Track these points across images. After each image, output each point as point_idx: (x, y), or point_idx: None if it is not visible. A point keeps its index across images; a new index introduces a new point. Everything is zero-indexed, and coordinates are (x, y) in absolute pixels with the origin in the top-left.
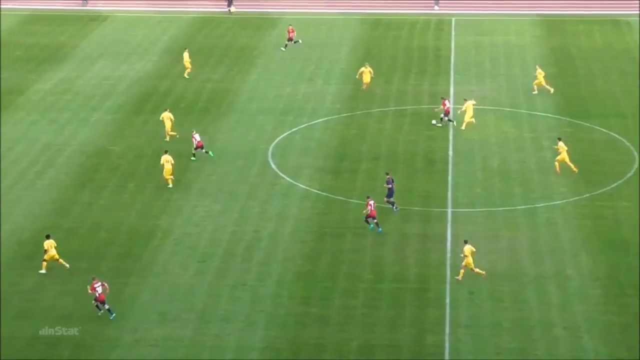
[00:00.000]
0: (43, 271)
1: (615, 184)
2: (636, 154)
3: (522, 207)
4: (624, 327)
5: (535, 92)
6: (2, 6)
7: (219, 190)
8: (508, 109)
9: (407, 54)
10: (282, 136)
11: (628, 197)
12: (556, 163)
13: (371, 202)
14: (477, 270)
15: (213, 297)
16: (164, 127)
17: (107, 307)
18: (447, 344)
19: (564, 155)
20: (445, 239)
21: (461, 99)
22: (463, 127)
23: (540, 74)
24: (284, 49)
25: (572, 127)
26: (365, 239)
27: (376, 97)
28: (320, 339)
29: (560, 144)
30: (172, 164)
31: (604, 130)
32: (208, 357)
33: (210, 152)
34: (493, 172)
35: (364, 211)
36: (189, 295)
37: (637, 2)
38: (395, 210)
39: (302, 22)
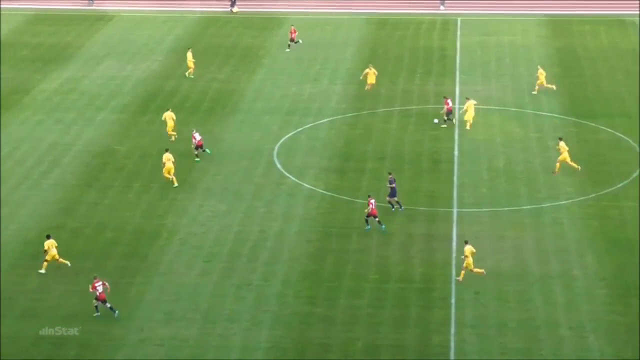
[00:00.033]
0: (42, 271)
1: (621, 184)
2: None
3: (528, 207)
4: (629, 327)
5: (535, 92)
6: (8, 5)
7: (225, 190)
8: (514, 109)
9: (412, 54)
10: (287, 136)
11: (634, 197)
12: (557, 164)
13: (372, 201)
14: (476, 270)
15: (218, 297)
16: (166, 126)
17: (108, 305)
18: (452, 344)
19: (565, 155)
20: (451, 239)
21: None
22: (468, 127)
23: (541, 74)
24: (288, 50)
25: (578, 127)
26: (370, 238)
27: (382, 97)
28: (326, 339)
29: (562, 144)
30: (173, 162)
31: (610, 130)
32: (213, 356)
33: (207, 150)
34: (499, 172)
35: (365, 210)
36: (195, 295)
37: None
38: (400, 210)
39: (307, 22)
